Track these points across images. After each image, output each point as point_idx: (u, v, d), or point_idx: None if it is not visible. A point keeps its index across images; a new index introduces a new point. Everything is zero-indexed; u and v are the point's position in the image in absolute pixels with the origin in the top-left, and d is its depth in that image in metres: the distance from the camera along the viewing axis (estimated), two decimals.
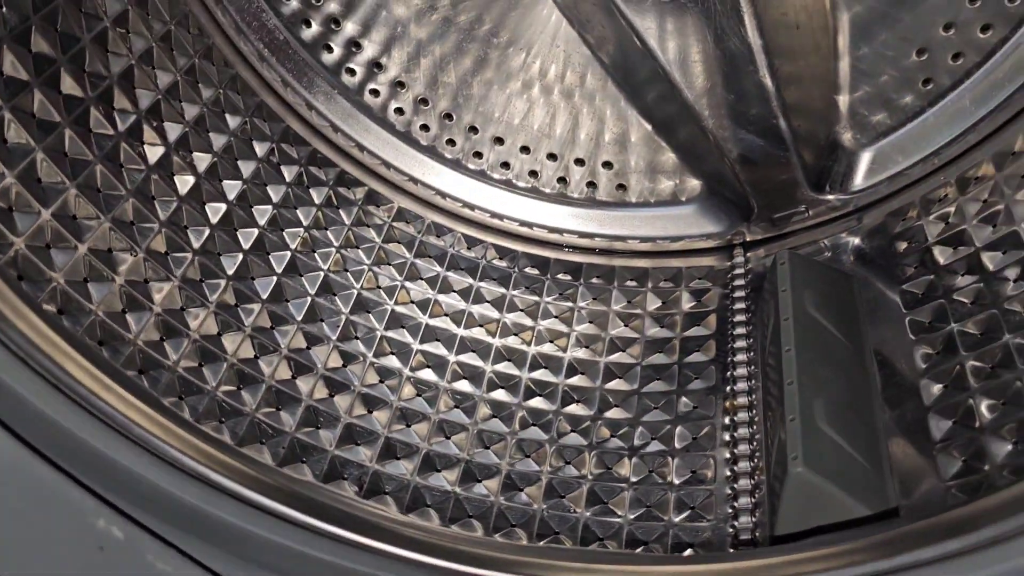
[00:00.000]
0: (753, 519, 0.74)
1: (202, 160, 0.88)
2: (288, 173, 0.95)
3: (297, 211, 0.93)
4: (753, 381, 0.85)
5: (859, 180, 0.92)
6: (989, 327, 0.75)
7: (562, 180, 1.01)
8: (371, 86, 0.99)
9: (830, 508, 0.67)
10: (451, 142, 1.01)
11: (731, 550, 0.73)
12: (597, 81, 0.93)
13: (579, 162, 0.99)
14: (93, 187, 0.76)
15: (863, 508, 0.66)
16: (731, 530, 0.75)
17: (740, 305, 0.92)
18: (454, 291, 0.96)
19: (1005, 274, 0.77)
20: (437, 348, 0.92)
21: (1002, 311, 0.75)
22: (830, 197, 0.93)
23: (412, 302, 0.94)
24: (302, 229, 0.93)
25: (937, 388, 0.75)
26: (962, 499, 0.65)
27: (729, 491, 0.78)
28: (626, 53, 0.87)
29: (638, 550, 0.75)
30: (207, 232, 0.85)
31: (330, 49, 0.97)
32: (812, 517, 0.67)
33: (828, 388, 0.75)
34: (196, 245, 0.84)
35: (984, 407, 0.70)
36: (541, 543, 0.76)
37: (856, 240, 0.94)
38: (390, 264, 0.96)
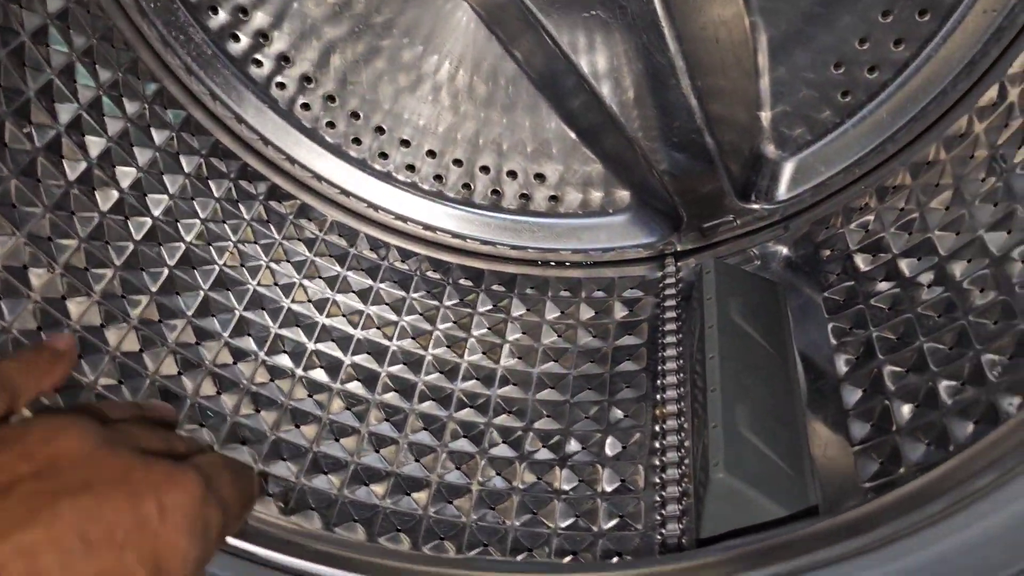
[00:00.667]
0: (680, 526, 0.75)
1: (126, 175, 0.87)
2: (217, 188, 0.94)
3: (225, 225, 0.92)
4: (682, 389, 0.86)
5: (784, 190, 0.94)
6: (905, 331, 0.77)
7: (495, 192, 1.01)
8: (303, 100, 0.99)
9: (752, 512, 0.68)
10: (383, 155, 1.01)
11: (658, 555, 0.74)
12: (523, 93, 0.93)
13: (511, 175, 1.00)
14: (7, 203, 0.75)
15: (783, 511, 0.67)
16: (659, 537, 0.75)
17: (671, 314, 0.93)
18: (386, 303, 0.96)
19: (919, 280, 0.79)
20: (368, 361, 0.91)
21: (917, 316, 0.77)
22: (756, 207, 0.95)
23: (343, 315, 0.94)
24: (231, 243, 0.92)
25: (857, 392, 0.77)
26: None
27: (657, 499, 0.78)
28: (551, 66, 0.88)
29: (566, 559, 0.75)
30: (130, 248, 0.84)
31: (259, 63, 0.96)
32: (735, 521, 0.68)
33: (751, 394, 0.76)
34: (118, 261, 0.82)
35: (901, 410, 0.72)
36: (471, 554, 0.76)
37: (784, 249, 0.95)
38: (321, 278, 0.96)
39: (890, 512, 0.52)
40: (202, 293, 0.87)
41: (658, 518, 0.77)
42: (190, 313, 0.85)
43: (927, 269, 0.79)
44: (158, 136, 0.90)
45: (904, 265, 0.81)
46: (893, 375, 0.75)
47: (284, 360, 0.88)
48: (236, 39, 0.94)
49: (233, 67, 0.95)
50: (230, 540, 0.59)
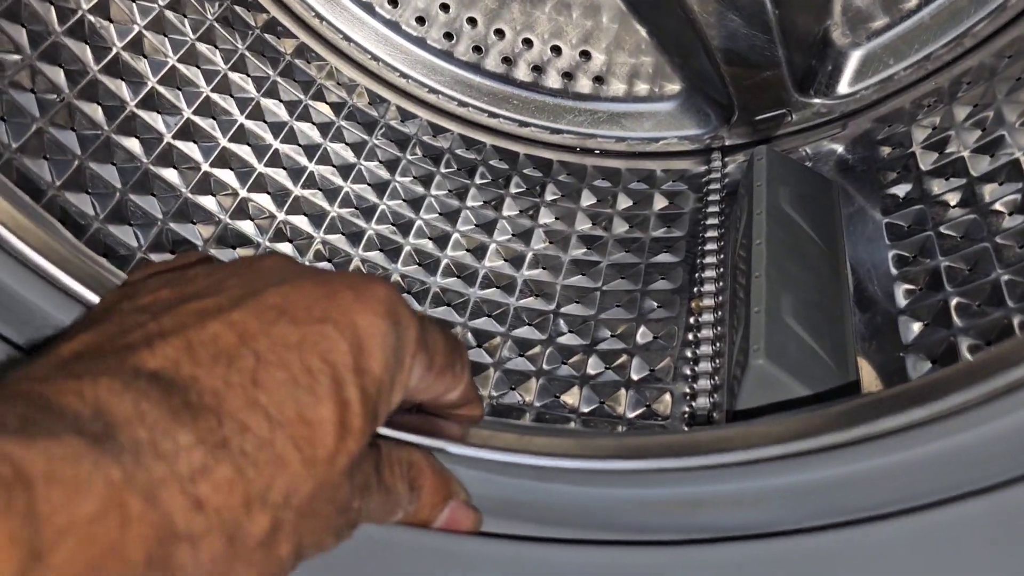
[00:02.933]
0: (710, 401, 0.71)
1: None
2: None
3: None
4: (721, 283, 0.81)
5: (846, 84, 0.88)
6: (968, 231, 0.72)
7: (536, 69, 0.95)
8: None
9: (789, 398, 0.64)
10: (420, 20, 0.95)
11: (686, 428, 0.70)
12: None
13: (555, 50, 0.94)
14: None
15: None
16: (685, 429, 0.71)
17: (714, 208, 0.88)
18: (414, 176, 0.91)
19: (991, 176, 0.73)
20: (392, 233, 0.87)
21: (983, 215, 0.71)
22: (816, 100, 0.88)
23: (367, 183, 0.89)
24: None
25: (911, 292, 0.72)
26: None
27: (687, 390, 0.74)
28: None
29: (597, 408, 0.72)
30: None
31: None
32: (771, 403, 0.63)
33: (797, 284, 0.71)
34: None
35: (957, 309, 0.67)
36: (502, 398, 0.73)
37: (839, 148, 0.89)
38: (348, 144, 0.91)
39: (946, 386, 0.47)
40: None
41: (686, 409, 0.73)
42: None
43: (1000, 167, 0.73)
44: None
45: (974, 162, 0.75)
46: (951, 273, 0.70)
47: (340, 240, 0.84)
48: None
49: None
50: None
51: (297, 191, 0.85)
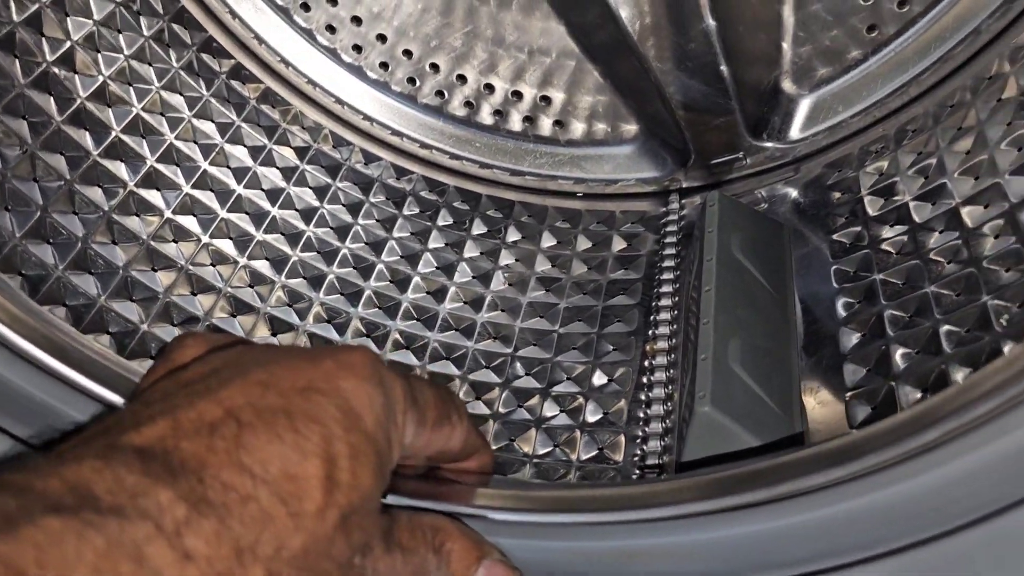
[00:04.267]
0: (660, 458, 0.72)
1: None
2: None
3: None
4: (675, 325, 0.83)
5: (797, 129, 0.90)
6: (910, 277, 0.74)
7: (499, 113, 0.97)
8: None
9: (734, 446, 0.65)
10: (384, 65, 0.97)
11: (636, 472, 0.71)
12: (539, 10, 0.89)
13: (516, 95, 0.96)
14: None
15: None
16: (636, 473, 0.73)
17: (670, 251, 0.90)
18: (376, 220, 0.93)
19: (931, 225, 0.75)
20: (352, 276, 0.88)
21: (925, 262, 0.73)
22: (768, 145, 0.91)
23: (330, 227, 0.91)
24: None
25: (855, 336, 0.74)
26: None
27: (639, 434, 0.76)
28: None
29: (551, 453, 0.73)
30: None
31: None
32: (718, 450, 0.65)
33: (745, 330, 0.73)
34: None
35: (898, 355, 0.69)
36: None
37: (793, 192, 0.91)
38: (310, 188, 0.92)
39: (878, 442, 0.48)
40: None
41: (638, 453, 0.74)
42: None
43: (940, 214, 0.75)
44: None
45: (917, 210, 0.78)
46: (895, 320, 0.72)
47: (301, 285, 0.85)
48: None
49: None
50: None
51: (259, 236, 0.86)
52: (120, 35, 0.84)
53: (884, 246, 0.78)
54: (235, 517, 0.35)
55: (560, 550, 0.51)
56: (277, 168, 0.91)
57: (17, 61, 0.76)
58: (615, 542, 0.51)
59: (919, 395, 0.65)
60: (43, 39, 0.78)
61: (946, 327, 0.67)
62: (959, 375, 0.63)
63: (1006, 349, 0.60)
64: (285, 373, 0.40)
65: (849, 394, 0.70)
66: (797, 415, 0.69)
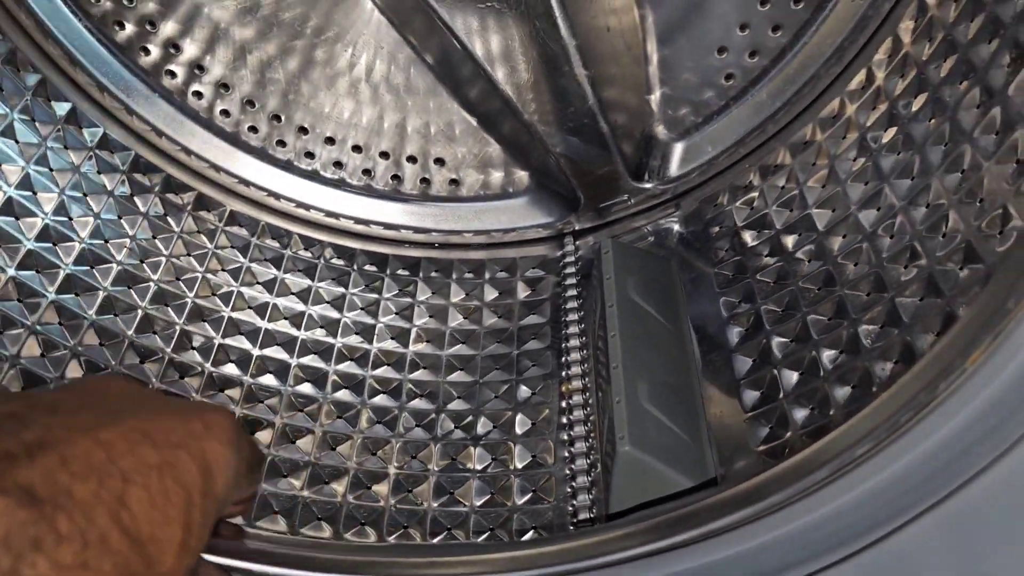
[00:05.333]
0: (590, 497, 0.79)
1: (11, 174, 0.84)
2: (110, 182, 0.92)
3: (123, 221, 0.90)
4: (586, 365, 0.90)
5: (674, 170, 0.99)
6: (789, 303, 0.83)
7: (396, 178, 1.02)
8: (194, 88, 0.97)
9: (657, 482, 0.72)
10: (281, 143, 1.00)
11: (571, 528, 0.78)
12: (423, 79, 0.95)
13: (411, 159, 1.01)
14: None
15: (686, 480, 0.72)
16: (571, 509, 0.80)
17: (571, 292, 0.97)
18: (292, 293, 0.96)
19: (800, 255, 0.85)
20: (278, 352, 0.91)
21: (799, 289, 0.83)
22: (649, 186, 0.99)
23: (249, 307, 0.94)
24: (128, 239, 0.90)
25: (748, 362, 0.83)
26: (770, 463, 0.73)
27: (567, 471, 0.82)
28: (447, 53, 0.89)
29: (483, 537, 0.78)
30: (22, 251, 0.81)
31: (147, 52, 0.94)
32: (642, 492, 0.72)
33: (651, 369, 0.81)
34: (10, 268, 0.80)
35: (788, 377, 0.78)
36: (391, 539, 0.78)
37: (676, 226, 1.00)
38: (224, 270, 0.95)
39: (780, 481, 0.57)
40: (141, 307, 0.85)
41: (568, 490, 0.81)
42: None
43: (807, 244, 0.85)
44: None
45: (787, 241, 0.87)
46: (780, 345, 0.81)
47: (194, 356, 0.87)
48: (147, 52, 0.93)
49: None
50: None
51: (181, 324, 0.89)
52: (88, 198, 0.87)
53: (761, 276, 0.87)
54: (106, 565, 0.38)
55: None
56: (191, 256, 0.93)
57: None
58: None
59: (807, 412, 0.74)
60: None
61: (826, 352, 0.76)
62: (839, 392, 0.73)
63: (877, 369, 0.70)
64: (160, 425, 0.44)
65: (748, 415, 0.78)
66: (706, 442, 0.77)
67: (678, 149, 0.98)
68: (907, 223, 0.75)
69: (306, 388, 0.89)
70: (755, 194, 0.93)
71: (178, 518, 0.42)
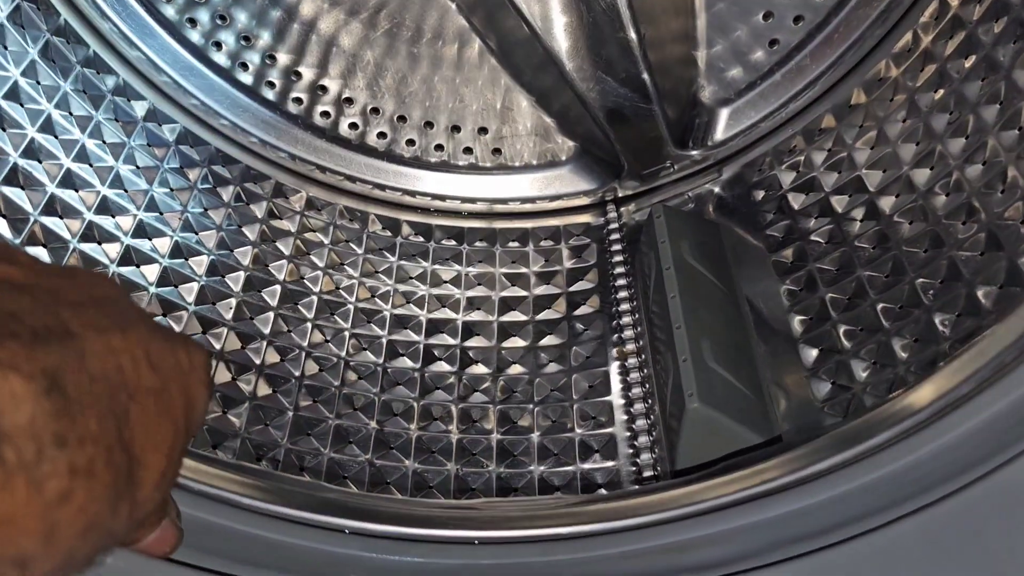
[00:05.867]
0: (653, 456, 0.81)
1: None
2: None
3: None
4: (639, 328, 0.92)
5: (718, 135, 1.00)
6: (843, 263, 0.85)
7: (439, 147, 1.03)
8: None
9: (725, 439, 0.74)
10: (326, 114, 1.01)
11: (635, 486, 0.79)
12: (479, 54, 0.95)
13: (455, 129, 1.02)
14: None
15: (755, 436, 0.74)
16: (633, 468, 0.81)
17: (618, 258, 0.98)
18: (342, 264, 0.97)
19: (852, 215, 0.86)
20: (334, 323, 0.92)
21: (852, 248, 0.84)
22: (693, 152, 1.00)
23: (303, 278, 0.94)
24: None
25: (802, 320, 0.84)
26: (835, 416, 0.75)
27: (628, 432, 0.84)
28: (506, 31, 0.90)
29: (553, 495, 0.80)
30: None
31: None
32: (709, 448, 0.74)
33: (711, 329, 0.82)
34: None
35: (843, 333, 0.80)
36: (460, 499, 0.80)
37: (718, 190, 1.01)
38: (275, 242, 0.96)
39: (843, 443, 0.59)
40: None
41: (630, 450, 0.83)
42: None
43: (858, 205, 0.86)
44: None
45: (836, 202, 0.89)
46: (834, 303, 0.82)
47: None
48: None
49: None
50: None
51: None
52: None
53: (813, 237, 0.88)
54: (107, 477, 0.36)
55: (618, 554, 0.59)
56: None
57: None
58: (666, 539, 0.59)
59: (868, 367, 0.76)
60: None
61: (881, 305, 0.78)
62: (899, 346, 0.75)
63: (938, 322, 0.72)
64: (156, 349, 0.42)
65: (808, 371, 0.80)
66: (768, 399, 0.79)
67: (722, 115, 0.99)
68: (963, 180, 0.77)
69: (364, 356, 0.90)
70: (800, 158, 0.95)
71: (163, 447, 0.40)
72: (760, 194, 0.97)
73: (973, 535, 0.49)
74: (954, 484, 0.52)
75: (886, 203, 0.84)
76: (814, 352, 0.81)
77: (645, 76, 0.92)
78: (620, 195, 1.04)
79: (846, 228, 0.86)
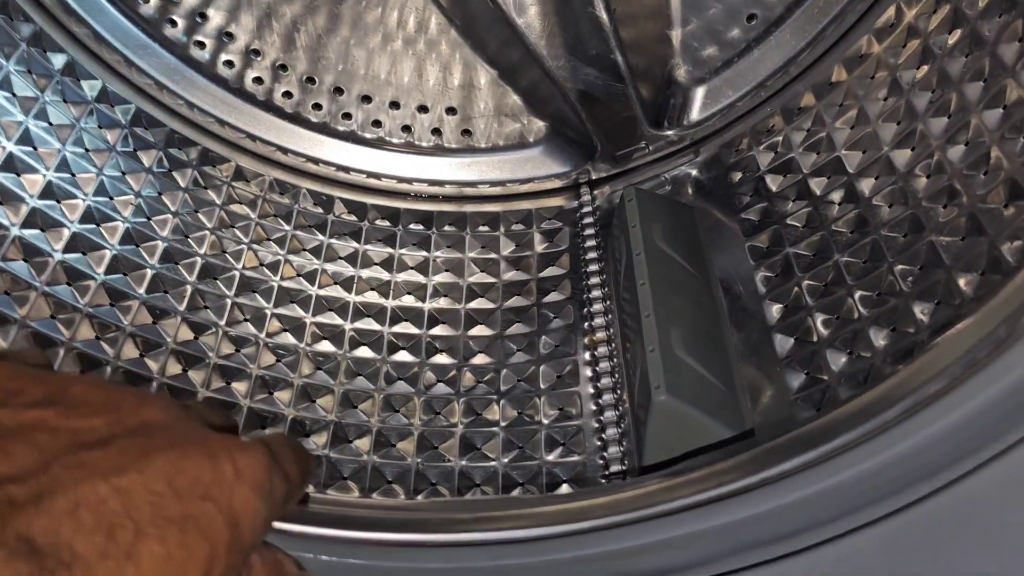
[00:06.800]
0: (621, 449, 0.78)
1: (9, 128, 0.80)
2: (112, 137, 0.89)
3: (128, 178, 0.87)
4: (609, 316, 0.88)
5: (694, 115, 0.96)
6: (820, 248, 0.81)
7: (407, 128, 0.99)
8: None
9: (693, 432, 0.71)
10: (288, 94, 0.97)
11: (603, 482, 0.76)
12: (440, 28, 0.91)
13: (422, 109, 0.98)
14: None
15: (724, 429, 0.71)
16: (601, 462, 0.78)
17: (591, 243, 0.95)
18: (305, 250, 0.94)
19: (830, 198, 0.83)
20: (293, 311, 0.89)
21: (831, 232, 0.81)
22: (668, 132, 0.96)
23: (263, 265, 0.91)
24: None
25: (778, 308, 0.81)
26: (808, 409, 0.71)
27: (596, 424, 0.81)
28: (472, 8, 0.86)
29: (515, 491, 0.77)
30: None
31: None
32: (677, 442, 0.71)
33: (682, 317, 0.79)
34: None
35: (820, 323, 0.76)
36: (419, 497, 0.77)
37: (695, 172, 0.98)
38: (234, 227, 0.92)
39: (817, 437, 0.56)
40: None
41: (598, 443, 0.80)
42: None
43: (837, 187, 0.83)
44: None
45: (815, 184, 0.85)
46: (811, 290, 0.79)
47: (209, 315, 0.85)
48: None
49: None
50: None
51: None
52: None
53: (790, 220, 0.85)
54: None
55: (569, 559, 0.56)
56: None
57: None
58: (620, 544, 0.56)
59: (844, 358, 0.73)
60: None
61: (859, 293, 0.75)
62: (877, 336, 0.71)
63: (917, 311, 0.68)
64: (187, 470, 0.41)
65: (782, 361, 0.77)
66: (740, 391, 0.76)
67: (698, 94, 0.95)
68: (945, 162, 0.73)
69: (324, 346, 0.87)
70: (779, 138, 0.91)
71: (196, 570, 0.39)
72: (737, 176, 0.93)
73: (936, 547, 0.45)
74: (920, 490, 0.50)
75: (865, 185, 0.80)
76: (789, 341, 0.78)
77: (617, 55, 0.89)
78: (594, 177, 1.01)
79: (824, 211, 0.83)
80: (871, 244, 0.76)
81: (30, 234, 0.78)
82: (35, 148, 0.81)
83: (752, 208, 0.89)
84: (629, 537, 0.56)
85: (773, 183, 0.89)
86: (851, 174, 0.82)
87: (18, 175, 0.80)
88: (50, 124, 0.83)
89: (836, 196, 0.82)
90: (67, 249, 0.79)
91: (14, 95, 0.82)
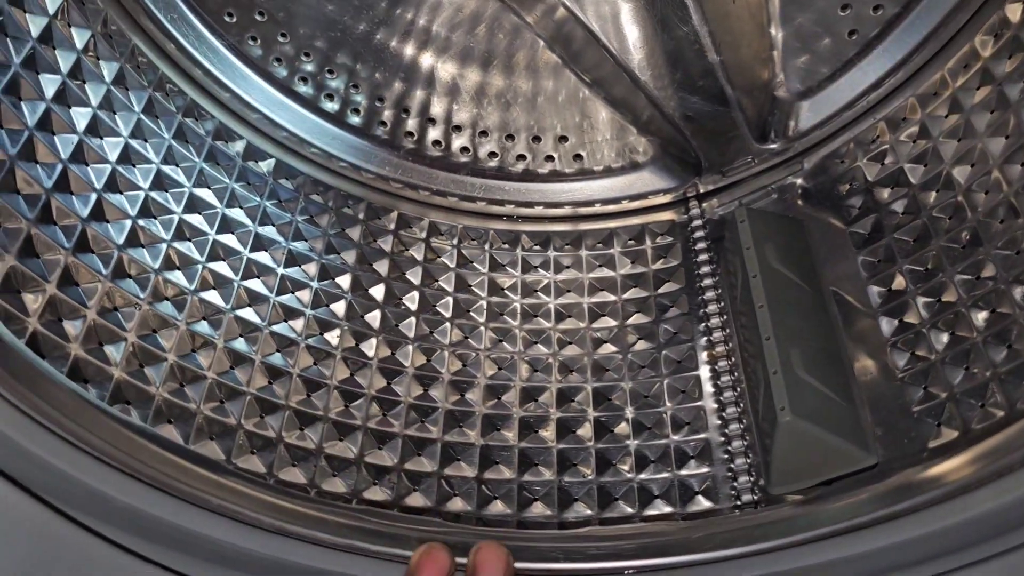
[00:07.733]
0: (750, 479, 0.83)
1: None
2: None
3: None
4: (727, 331, 0.93)
5: (798, 128, 0.99)
6: (933, 260, 0.84)
7: (521, 157, 1.06)
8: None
9: (818, 451, 0.76)
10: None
11: (736, 512, 0.82)
12: (556, 73, 0.98)
13: (536, 139, 1.04)
14: None
15: (847, 444, 0.75)
16: (732, 492, 0.83)
17: (704, 256, 1.00)
18: (439, 283, 1.02)
19: (938, 213, 0.85)
20: (431, 342, 0.97)
21: (941, 247, 0.84)
22: (773, 146, 1.00)
23: (402, 299, 0.99)
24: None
25: (893, 322, 0.84)
26: (929, 425, 0.75)
27: (722, 437, 0.87)
28: (583, 50, 0.92)
29: (649, 505, 0.84)
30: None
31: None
32: (804, 464, 0.76)
33: (801, 336, 0.84)
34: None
35: (938, 337, 0.80)
36: (565, 513, 0.84)
37: (800, 181, 1.01)
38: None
39: (942, 477, 0.61)
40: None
41: (725, 455, 0.86)
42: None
43: (947, 203, 0.85)
44: None
45: (923, 197, 0.88)
46: (927, 305, 0.82)
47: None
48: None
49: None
50: None
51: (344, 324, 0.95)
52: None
53: (900, 235, 0.88)
54: None
55: None
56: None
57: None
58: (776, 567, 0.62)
59: (962, 373, 0.76)
60: None
61: (976, 314, 0.78)
62: (993, 354, 0.74)
63: None
64: None
65: (901, 375, 0.80)
66: (860, 405, 0.80)
67: (802, 108, 0.98)
68: None
69: (462, 372, 0.95)
70: (885, 147, 0.94)
71: None
72: (844, 187, 0.96)
73: None
74: None
75: (978, 199, 0.83)
76: (905, 355, 0.82)
77: (724, 86, 0.93)
78: (702, 191, 1.05)
79: (934, 225, 0.85)
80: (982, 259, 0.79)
81: (242, 313, 0.88)
82: (232, 232, 0.92)
83: (862, 220, 0.92)
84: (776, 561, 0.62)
85: (883, 194, 0.92)
86: (963, 188, 0.84)
87: (224, 259, 0.90)
88: (241, 207, 0.94)
89: (948, 211, 0.84)
90: (271, 321, 0.90)
91: (209, 187, 0.92)
